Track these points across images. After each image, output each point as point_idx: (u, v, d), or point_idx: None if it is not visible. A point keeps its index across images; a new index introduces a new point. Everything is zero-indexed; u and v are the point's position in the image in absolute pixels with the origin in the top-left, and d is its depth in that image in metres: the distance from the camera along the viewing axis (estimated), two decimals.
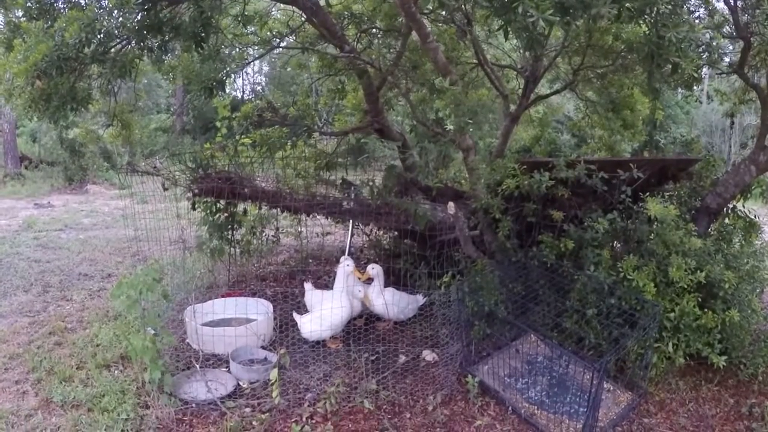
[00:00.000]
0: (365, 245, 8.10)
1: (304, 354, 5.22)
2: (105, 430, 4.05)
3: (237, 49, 7.69)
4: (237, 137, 7.32)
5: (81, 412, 4.28)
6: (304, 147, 8.08)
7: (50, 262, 8.39)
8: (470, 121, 5.29)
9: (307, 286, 5.93)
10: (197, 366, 4.81)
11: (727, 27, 5.48)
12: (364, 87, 7.11)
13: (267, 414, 4.26)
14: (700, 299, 4.73)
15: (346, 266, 5.45)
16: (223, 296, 6.27)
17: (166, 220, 5.95)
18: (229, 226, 6.92)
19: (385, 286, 5.77)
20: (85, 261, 8.56)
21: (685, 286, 4.69)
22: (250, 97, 28.33)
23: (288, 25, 7.80)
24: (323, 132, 7.96)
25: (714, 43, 4.90)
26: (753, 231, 5.87)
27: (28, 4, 5.48)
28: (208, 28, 5.24)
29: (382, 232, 7.64)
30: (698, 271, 4.69)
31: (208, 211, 6.75)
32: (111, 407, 4.27)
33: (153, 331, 4.37)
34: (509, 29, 3.46)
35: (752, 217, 5.93)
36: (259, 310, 5.86)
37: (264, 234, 7.78)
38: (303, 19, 7.23)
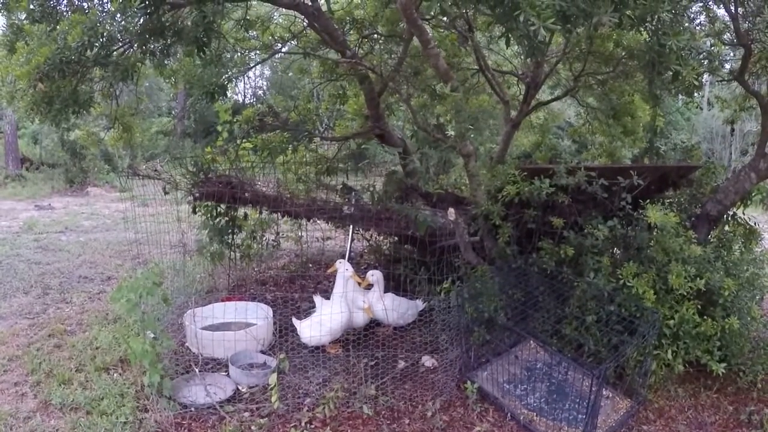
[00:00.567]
0: (365, 250, 8.10)
1: (303, 359, 5.22)
2: None
3: (239, 54, 7.71)
4: (238, 141, 7.34)
5: (80, 415, 4.27)
6: (305, 152, 8.09)
7: (50, 264, 8.39)
8: (471, 127, 5.30)
9: (317, 299, 5.73)
10: (196, 370, 4.81)
11: (728, 34, 5.50)
12: (365, 92, 7.12)
13: (266, 419, 4.26)
14: (699, 306, 4.73)
15: (345, 271, 5.45)
16: (223, 300, 6.27)
17: (166, 223, 5.96)
18: (230, 230, 6.92)
19: (385, 292, 5.77)
20: (85, 263, 8.57)
21: (685, 294, 4.69)
22: (252, 101, 28.38)
23: (290, 30, 7.82)
24: (324, 137, 7.97)
25: (715, 51, 4.92)
26: (753, 238, 5.87)
27: (31, 7, 5.50)
28: (210, 33, 5.25)
29: (382, 238, 7.64)
30: (698, 279, 4.69)
31: (209, 215, 6.76)
32: (110, 410, 4.26)
33: (152, 335, 4.38)
34: (511, 36, 3.47)
35: (752, 224, 5.93)
36: (258, 315, 5.86)
37: (264, 238, 7.78)
38: (305, 24, 7.25)
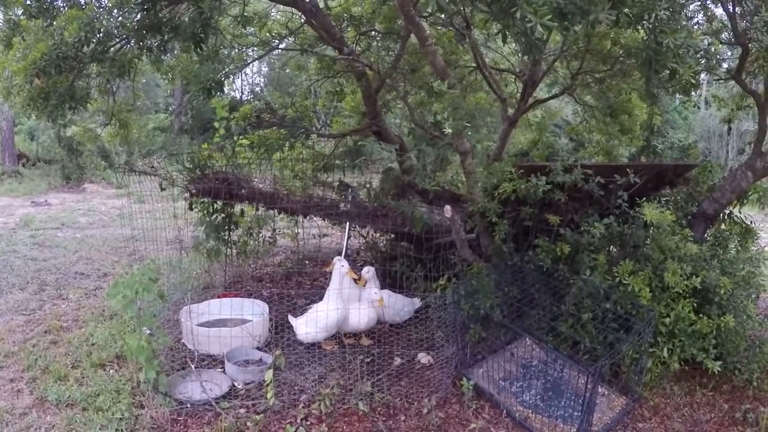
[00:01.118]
0: (362, 247, 8.10)
1: (299, 355, 5.22)
2: (99, 429, 4.04)
3: (236, 50, 7.70)
4: (235, 138, 7.32)
5: (76, 411, 4.27)
6: (302, 148, 8.08)
7: (47, 261, 8.38)
8: (468, 124, 5.30)
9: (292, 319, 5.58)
10: (192, 366, 4.81)
11: (726, 33, 5.49)
12: (362, 89, 7.12)
13: (261, 415, 4.26)
14: (695, 304, 4.74)
15: (341, 267, 5.45)
16: (219, 297, 6.26)
17: (163, 219, 5.94)
18: (226, 227, 6.91)
19: (381, 289, 5.77)
20: (82, 260, 8.55)
21: (681, 292, 4.70)
22: (249, 98, 28.33)
23: (287, 27, 7.81)
24: (321, 134, 7.97)
25: (712, 49, 4.91)
26: (749, 237, 5.88)
27: (28, 3, 5.47)
28: (207, 29, 5.24)
29: (378, 235, 7.64)
30: (694, 277, 4.70)
31: (205, 212, 6.74)
32: (106, 407, 4.26)
33: (149, 331, 4.37)
34: (508, 33, 3.47)
35: (748, 223, 5.94)
36: (254, 311, 5.86)
37: (261, 235, 7.78)
38: (302, 20, 7.24)
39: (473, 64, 7.95)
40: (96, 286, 7.28)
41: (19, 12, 5.72)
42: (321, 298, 5.51)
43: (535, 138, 10.51)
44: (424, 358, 5.28)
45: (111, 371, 4.88)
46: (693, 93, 6.27)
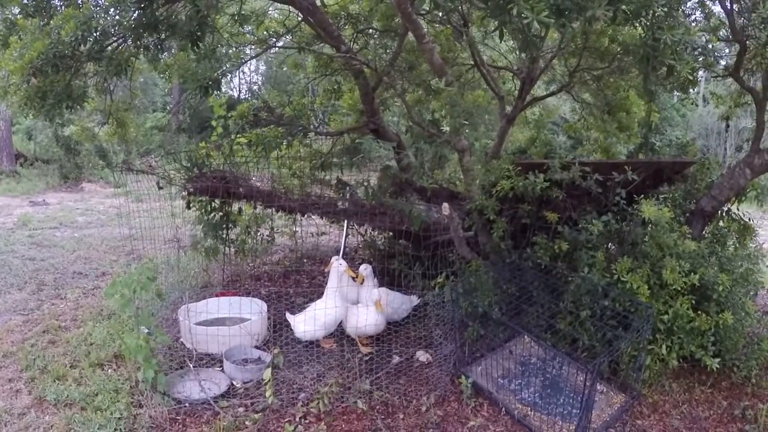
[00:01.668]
0: (360, 245, 8.09)
1: (297, 354, 5.22)
2: (98, 428, 4.04)
3: (233, 49, 7.68)
4: (233, 136, 7.31)
5: (74, 410, 4.27)
6: (300, 147, 8.07)
7: (45, 260, 8.37)
8: (466, 122, 5.30)
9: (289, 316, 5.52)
10: (191, 365, 4.81)
11: (723, 30, 5.49)
12: (360, 87, 7.11)
13: (260, 414, 4.26)
14: (693, 302, 4.74)
15: (339, 266, 5.45)
16: (217, 295, 6.26)
17: (160, 218, 5.94)
18: (224, 226, 6.91)
19: (380, 286, 5.77)
20: (80, 259, 8.54)
21: (679, 289, 4.70)
22: (246, 96, 28.31)
23: (284, 25, 7.80)
24: (319, 132, 7.95)
25: (710, 46, 4.91)
26: (747, 234, 5.89)
27: (25, 2, 5.46)
28: (204, 27, 5.23)
29: (376, 233, 7.64)
30: (692, 274, 4.70)
31: (203, 210, 6.74)
32: (104, 406, 4.26)
33: (147, 330, 4.36)
34: (504, 30, 3.46)
35: (746, 220, 5.95)
36: (253, 310, 5.85)
37: (259, 233, 7.77)
38: (299, 18, 7.23)
39: (471, 62, 7.94)
40: (94, 286, 7.27)
41: (16, 11, 5.71)
42: (319, 297, 5.52)
43: (533, 135, 10.51)
44: (422, 356, 5.28)
45: (109, 371, 4.88)
46: (691, 90, 6.27)
